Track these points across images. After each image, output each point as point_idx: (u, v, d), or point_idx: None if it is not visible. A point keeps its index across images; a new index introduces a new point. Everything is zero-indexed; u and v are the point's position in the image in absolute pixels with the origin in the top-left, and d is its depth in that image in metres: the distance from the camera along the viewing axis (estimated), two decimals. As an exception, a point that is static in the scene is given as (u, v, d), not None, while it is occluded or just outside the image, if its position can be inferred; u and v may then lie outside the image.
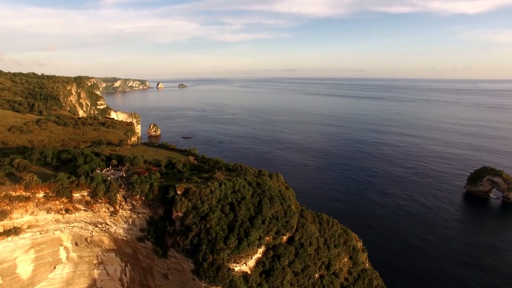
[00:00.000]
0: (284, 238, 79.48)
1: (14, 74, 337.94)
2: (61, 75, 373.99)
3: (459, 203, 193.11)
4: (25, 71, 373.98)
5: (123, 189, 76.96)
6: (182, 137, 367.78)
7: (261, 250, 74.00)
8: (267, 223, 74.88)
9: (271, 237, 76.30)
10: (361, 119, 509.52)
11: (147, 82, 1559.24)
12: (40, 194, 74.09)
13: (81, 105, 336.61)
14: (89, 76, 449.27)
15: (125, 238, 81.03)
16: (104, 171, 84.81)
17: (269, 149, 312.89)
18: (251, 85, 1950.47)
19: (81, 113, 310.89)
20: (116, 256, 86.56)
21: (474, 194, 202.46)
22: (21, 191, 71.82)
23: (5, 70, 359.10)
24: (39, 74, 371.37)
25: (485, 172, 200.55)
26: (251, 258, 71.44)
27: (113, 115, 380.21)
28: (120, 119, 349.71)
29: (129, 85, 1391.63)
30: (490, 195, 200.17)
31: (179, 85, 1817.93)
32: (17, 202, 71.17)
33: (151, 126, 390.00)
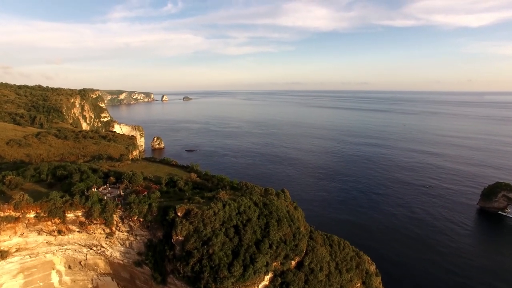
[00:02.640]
0: (293, 263, 73.35)
1: (19, 87, 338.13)
2: (67, 88, 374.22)
3: (473, 220, 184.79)
4: (32, 84, 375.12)
5: (120, 209, 71.81)
6: (186, 150, 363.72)
7: (268, 277, 67.91)
8: (275, 247, 69.02)
9: (279, 262, 70.26)
10: (366, 133, 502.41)
11: (152, 95, 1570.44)
12: (31, 214, 69.09)
13: (84, 117, 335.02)
14: (95, 88, 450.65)
15: (121, 262, 75.39)
16: (101, 189, 79.83)
17: (273, 163, 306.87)
18: (255, 98, 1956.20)
19: (84, 126, 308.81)
20: (112, 280, 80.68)
21: (488, 211, 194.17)
22: (10, 211, 66.87)
23: (13, 83, 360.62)
24: (45, 86, 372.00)
25: (500, 187, 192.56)
26: (258, 287, 65.35)
27: (116, 127, 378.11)
28: (124, 132, 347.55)
29: (134, 97, 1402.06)
30: (506, 211, 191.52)
31: (184, 97, 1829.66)
32: (5, 223, 66.17)
33: (155, 138, 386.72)
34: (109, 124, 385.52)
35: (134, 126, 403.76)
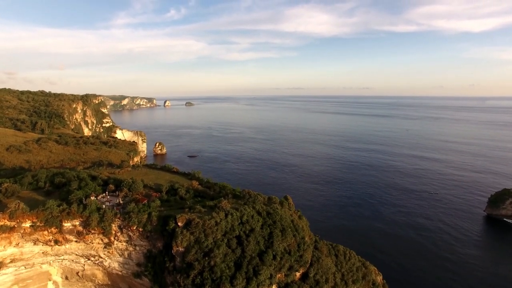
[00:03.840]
0: (298, 274, 70.68)
1: (22, 92, 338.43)
2: (70, 93, 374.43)
3: (480, 227, 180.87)
4: (35, 89, 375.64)
5: (119, 218, 69.54)
6: (188, 156, 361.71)
7: (272, 290, 65.16)
8: (279, 259, 66.42)
9: (283, 274, 67.61)
10: (369, 139, 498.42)
11: (154, 100, 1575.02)
12: (27, 224, 66.91)
13: (86, 123, 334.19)
14: (97, 94, 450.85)
15: (120, 273, 72.92)
16: (99, 197, 77.67)
17: (275, 170, 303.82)
18: (257, 103, 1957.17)
19: (86, 131, 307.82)
20: (111, 291, 78.08)
21: (495, 218, 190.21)
22: (5, 220, 64.70)
23: (17, 88, 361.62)
24: (47, 92, 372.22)
25: (507, 194, 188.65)
26: (261, 300, 62.61)
27: (118, 133, 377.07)
28: (126, 137, 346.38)
29: (136, 103, 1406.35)
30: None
31: (186, 103, 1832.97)
32: (-1, 233, 63.96)
33: (157, 144, 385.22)
34: (111, 129, 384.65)
35: (136, 132, 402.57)
